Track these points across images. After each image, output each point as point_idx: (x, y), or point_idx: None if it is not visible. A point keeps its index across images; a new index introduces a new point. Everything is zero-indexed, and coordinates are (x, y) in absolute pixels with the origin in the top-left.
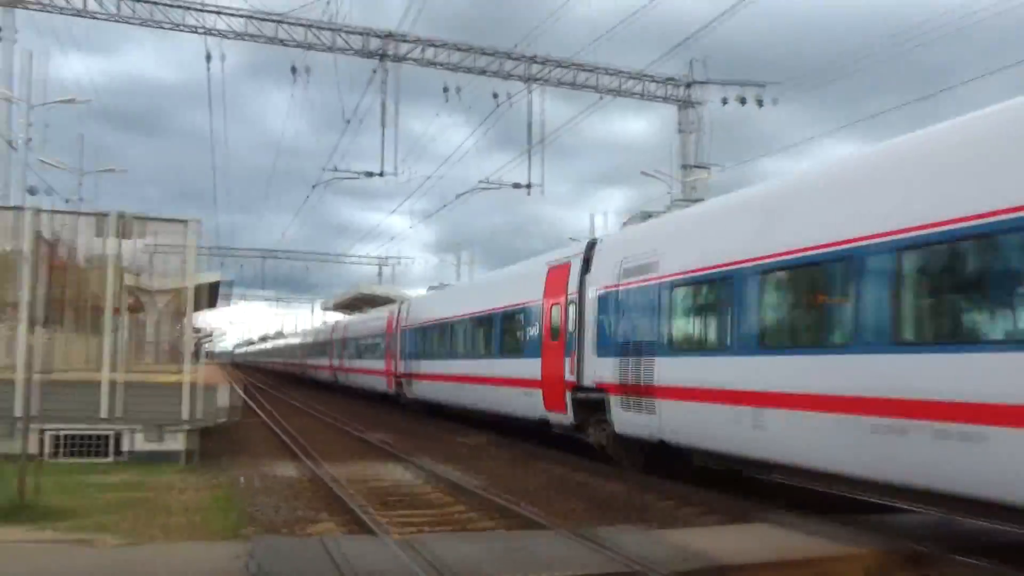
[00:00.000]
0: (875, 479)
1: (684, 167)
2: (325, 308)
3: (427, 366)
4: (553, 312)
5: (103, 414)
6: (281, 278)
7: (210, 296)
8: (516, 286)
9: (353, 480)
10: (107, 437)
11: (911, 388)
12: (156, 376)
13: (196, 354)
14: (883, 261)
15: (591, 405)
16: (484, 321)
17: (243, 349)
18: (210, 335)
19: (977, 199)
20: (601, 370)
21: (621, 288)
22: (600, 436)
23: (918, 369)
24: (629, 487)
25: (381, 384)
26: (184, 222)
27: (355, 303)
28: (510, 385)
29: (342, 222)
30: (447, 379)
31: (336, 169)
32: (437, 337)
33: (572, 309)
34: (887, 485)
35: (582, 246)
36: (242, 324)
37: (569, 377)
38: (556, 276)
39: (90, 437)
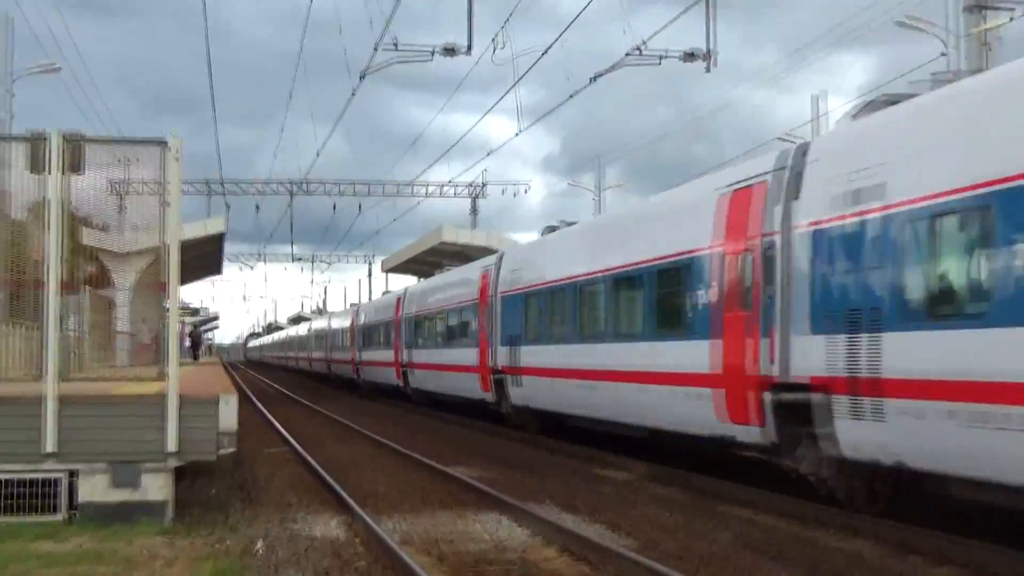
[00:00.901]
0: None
1: (970, 9)
2: (387, 269)
3: (536, 355)
4: (733, 265)
5: (48, 447)
6: (318, 225)
7: (210, 257)
8: (668, 227)
9: (429, 541)
10: (55, 483)
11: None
12: (128, 386)
13: (195, 348)
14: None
15: (799, 412)
16: (618, 284)
17: (260, 341)
18: (214, 319)
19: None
20: (820, 356)
21: (861, 219)
22: (816, 462)
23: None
24: (885, 549)
25: (470, 385)
26: (161, 144)
27: (431, 259)
28: (662, 383)
29: (408, 130)
30: (566, 374)
31: (397, 46)
32: (549, 309)
33: (769, 258)
34: None
35: (783, 155)
36: (260, 297)
37: (766, 368)
38: (737, 207)
39: (29, 484)
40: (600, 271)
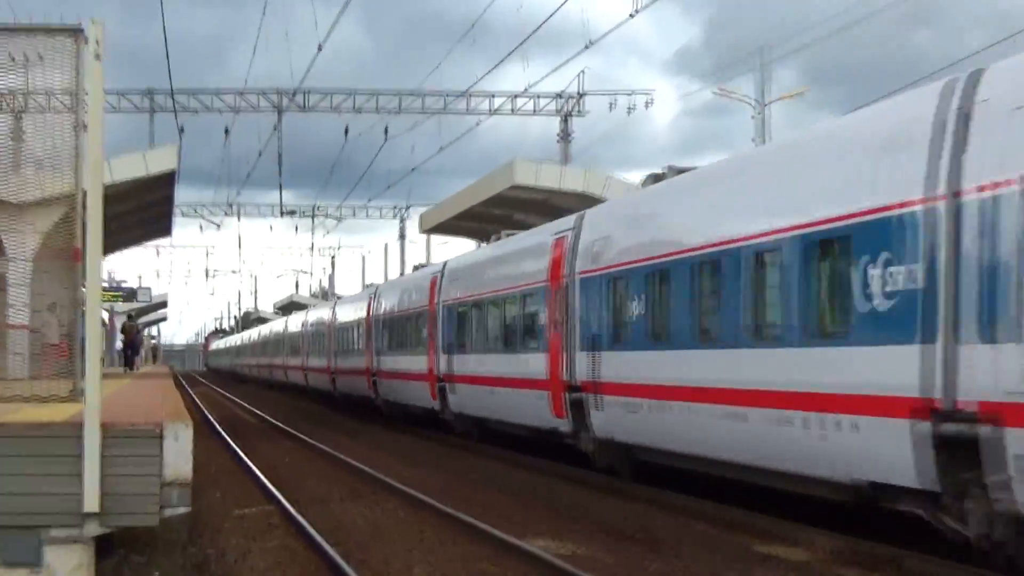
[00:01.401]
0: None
1: None
2: (427, 228)
3: (644, 365)
4: (553, 298)
5: None
6: (320, 160)
7: (154, 210)
8: (526, 262)
9: None
10: None
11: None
12: (24, 410)
13: (130, 351)
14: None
15: (580, 407)
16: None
17: (230, 341)
18: (160, 307)
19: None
20: (585, 367)
21: (592, 274)
22: (590, 441)
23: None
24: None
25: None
26: (74, 33)
27: (496, 213)
28: (523, 387)
29: (460, 9)
30: (700, 398)
31: None
32: (657, 295)
33: (569, 295)
34: None
35: (577, 217)
36: (232, 273)
37: (567, 376)
38: (557, 252)
39: None
40: (734, 239)
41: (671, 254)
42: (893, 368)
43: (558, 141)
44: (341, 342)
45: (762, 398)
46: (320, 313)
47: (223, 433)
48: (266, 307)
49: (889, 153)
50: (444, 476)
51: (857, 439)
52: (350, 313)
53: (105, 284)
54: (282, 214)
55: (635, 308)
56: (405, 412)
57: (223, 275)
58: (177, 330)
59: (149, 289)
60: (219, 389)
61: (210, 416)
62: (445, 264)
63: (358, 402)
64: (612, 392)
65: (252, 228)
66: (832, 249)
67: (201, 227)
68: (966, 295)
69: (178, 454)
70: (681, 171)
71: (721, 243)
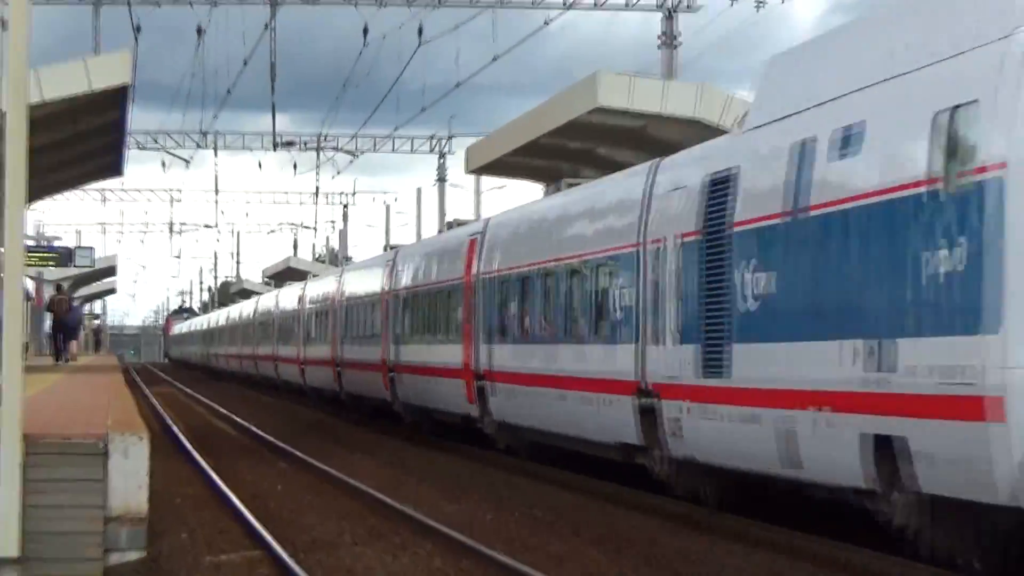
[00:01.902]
0: None
1: None
2: (475, 168)
3: (516, 356)
4: (467, 293)
5: None
6: (328, 70)
7: (99, 139)
8: (448, 260)
9: None
10: None
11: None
12: None
13: (62, 335)
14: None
15: (484, 393)
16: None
17: (200, 323)
18: (106, 275)
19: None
20: (485, 357)
21: (487, 276)
22: (492, 424)
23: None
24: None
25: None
26: None
27: (572, 147)
28: (446, 376)
29: None
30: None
31: None
32: (522, 298)
33: (476, 291)
34: None
35: (484, 221)
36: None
37: (474, 365)
38: (471, 251)
39: None
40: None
41: (529, 265)
42: (624, 360)
43: (660, 47)
44: (348, 326)
45: (572, 383)
46: (322, 286)
47: (191, 450)
48: (253, 276)
49: (623, 211)
50: (496, 510)
51: (612, 411)
52: (360, 286)
53: (30, 242)
54: (275, 147)
55: (511, 308)
56: (431, 419)
57: (193, 231)
58: (129, 308)
59: (91, 250)
60: (186, 388)
61: (174, 426)
62: (487, 222)
63: (371, 406)
64: (500, 380)
65: (234, 166)
66: (600, 272)
67: (164, 164)
68: (649, 311)
69: (129, 478)
70: (571, 185)
71: (550, 260)
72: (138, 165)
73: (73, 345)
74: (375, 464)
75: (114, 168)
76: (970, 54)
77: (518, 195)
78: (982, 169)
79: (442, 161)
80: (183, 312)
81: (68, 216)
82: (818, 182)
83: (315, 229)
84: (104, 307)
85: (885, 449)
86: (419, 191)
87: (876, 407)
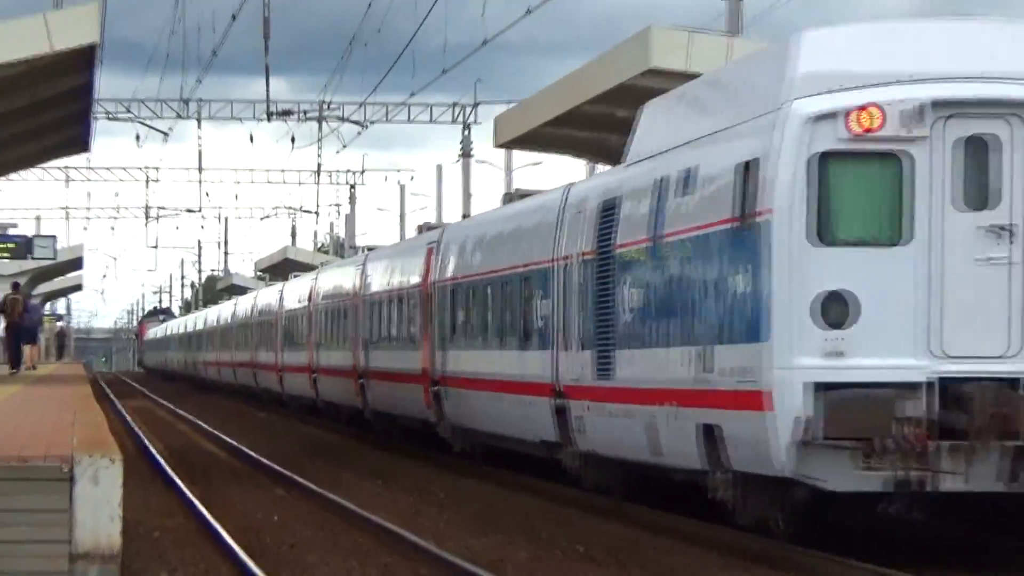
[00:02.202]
0: None
1: None
2: (505, 141)
3: (461, 361)
4: (424, 300)
5: None
6: (332, 25)
7: (62, 106)
8: (406, 266)
9: None
10: None
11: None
12: None
13: (14, 338)
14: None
15: (440, 398)
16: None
17: (179, 324)
18: (70, 268)
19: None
20: (441, 362)
21: (442, 284)
22: (448, 428)
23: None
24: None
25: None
26: None
27: (621, 115)
28: (404, 381)
29: None
30: None
31: None
32: (465, 306)
33: (432, 299)
34: None
35: (441, 230)
36: (188, 215)
37: (432, 371)
38: (428, 259)
39: None
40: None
41: (473, 275)
42: (543, 365)
43: None
44: (323, 330)
45: (508, 386)
46: (298, 286)
47: (172, 475)
48: (244, 269)
49: (542, 229)
50: (531, 545)
51: (535, 411)
52: (334, 287)
53: None
54: (270, 117)
55: (459, 315)
56: (394, 425)
57: (173, 217)
58: (98, 308)
59: (53, 239)
60: (166, 402)
61: (151, 447)
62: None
63: (343, 413)
64: (451, 384)
65: (221, 139)
66: (525, 284)
67: (139, 137)
68: (560, 321)
69: (99, 507)
70: (524, 195)
71: (488, 272)
72: (108, 138)
73: (30, 351)
74: (389, 490)
75: (80, 142)
76: (758, 119)
77: (557, 172)
78: (759, 213)
79: (466, 133)
80: (159, 313)
81: (25, 200)
82: (669, 214)
83: (316, 214)
84: (68, 307)
85: (710, 436)
86: (439, 169)
87: (703, 401)
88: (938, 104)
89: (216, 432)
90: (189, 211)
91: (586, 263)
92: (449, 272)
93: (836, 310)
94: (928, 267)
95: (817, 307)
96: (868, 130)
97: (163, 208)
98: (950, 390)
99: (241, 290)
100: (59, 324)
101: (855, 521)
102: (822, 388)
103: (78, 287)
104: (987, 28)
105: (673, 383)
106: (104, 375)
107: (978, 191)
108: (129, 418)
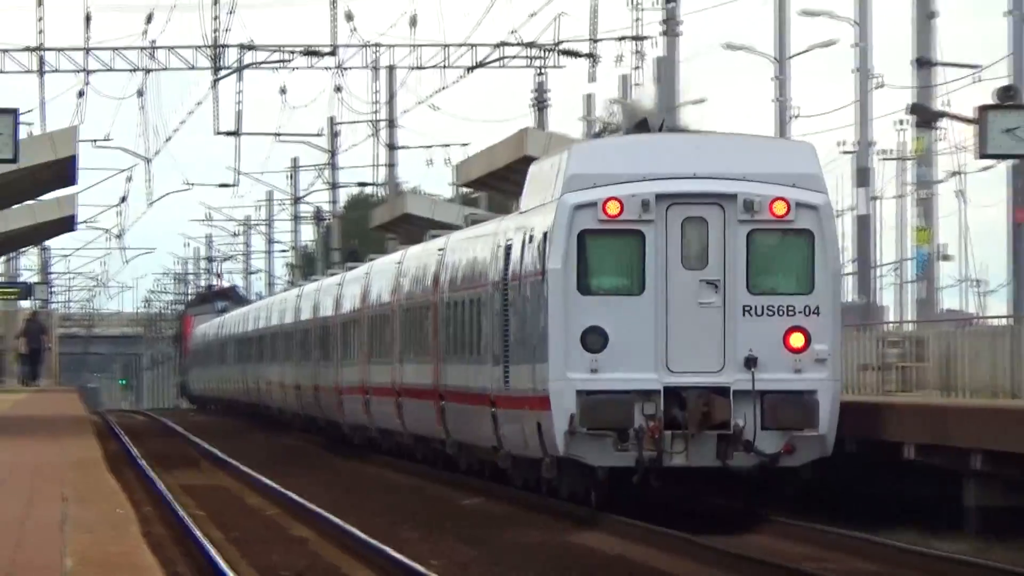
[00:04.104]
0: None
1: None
2: None
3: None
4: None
5: None
6: None
7: None
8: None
9: None
10: None
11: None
12: None
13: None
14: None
15: None
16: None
17: (273, 311)
18: (62, 228)
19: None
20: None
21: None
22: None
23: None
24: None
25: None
26: None
27: None
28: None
29: None
30: None
31: None
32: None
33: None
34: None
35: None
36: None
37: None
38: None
39: None
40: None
41: (459, 289)
42: (484, 376)
43: None
44: (406, 332)
45: (453, 395)
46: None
47: None
48: (435, 189)
49: (494, 256)
50: None
51: (481, 418)
52: (417, 275)
53: None
54: None
55: (452, 329)
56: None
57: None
58: (115, 281)
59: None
60: (271, 482)
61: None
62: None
63: (426, 446)
64: (451, 399)
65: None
66: (478, 303)
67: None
68: (503, 337)
69: None
70: (475, 221)
71: (464, 288)
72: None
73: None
74: None
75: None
76: (550, 204)
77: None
78: (547, 270)
79: None
80: (215, 298)
81: None
82: (526, 261)
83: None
84: (46, 269)
85: (540, 430)
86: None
87: (534, 405)
88: (661, 196)
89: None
90: (312, 52)
91: (498, 292)
92: (448, 285)
93: (594, 340)
94: (658, 309)
95: (581, 337)
96: (614, 216)
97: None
98: (675, 395)
99: (416, 234)
100: (27, 305)
101: (661, 496)
102: (584, 394)
103: (69, 226)
104: (700, 140)
105: (521, 392)
106: (121, 412)
107: (696, 256)
108: (191, 523)
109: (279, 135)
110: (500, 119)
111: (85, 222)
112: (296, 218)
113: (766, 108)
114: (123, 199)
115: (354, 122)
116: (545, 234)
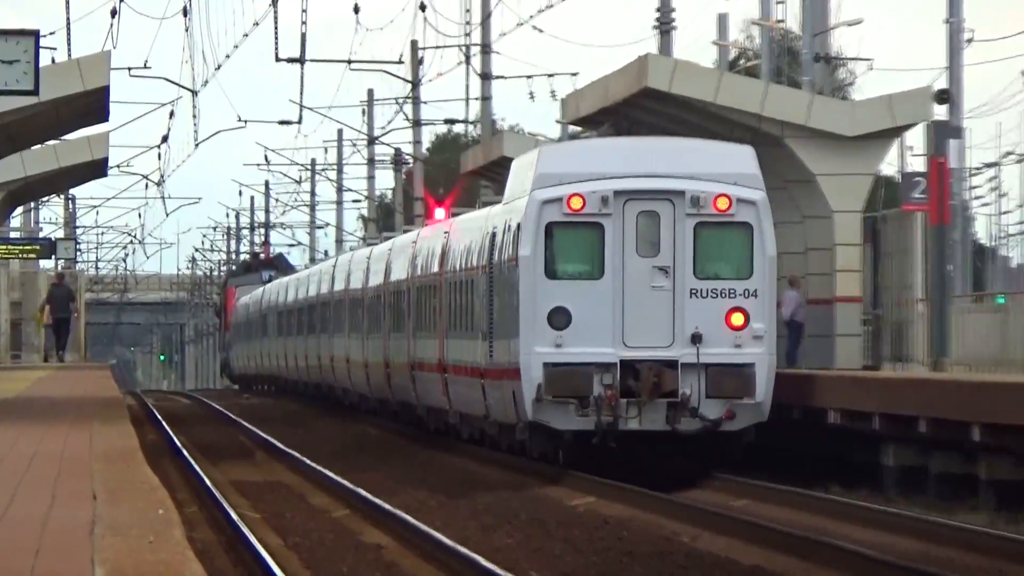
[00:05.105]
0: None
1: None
2: None
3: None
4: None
5: None
6: None
7: None
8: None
9: None
10: None
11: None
12: None
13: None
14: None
15: None
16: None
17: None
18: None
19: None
20: None
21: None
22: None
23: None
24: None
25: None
26: None
27: None
28: None
29: None
30: None
31: None
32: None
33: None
34: None
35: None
36: None
37: None
38: None
39: None
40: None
41: (459, 270)
42: (476, 351)
43: None
44: (452, 306)
45: (459, 369)
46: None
47: None
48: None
49: (484, 241)
50: None
51: (474, 388)
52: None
53: None
54: None
55: (453, 306)
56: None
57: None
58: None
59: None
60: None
61: None
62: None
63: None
64: (454, 372)
65: None
66: (471, 284)
67: None
68: (488, 316)
69: None
70: (487, 203)
71: (462, 269)
72: None
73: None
74: None
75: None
76: (521, 199)
77: None
78: (518, 257)
79: None
80: (261, 268)
81: None
82: (505, 248)
83: None
84: (72, 225)
85: (515, 398)
86: None
87: (510, 376)
88: (619, 193)
89: None
90: None
91: (485, 275)
92: (449, 265)
93: (559, 318)
94: (616, 292)
95: (548, 316)
96: (577, 210)
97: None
98: (630, 367)
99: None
100: (52, 268)
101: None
102: (549, 366)
103: (96, 167)
104: (653, 143)
105: (504, 364)
106: (162, 394)
107: (649, 245)
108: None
109: (351, 62)
110: (616, 44)
111: (118, 166)
112: (371, 162)
113: (936, 30)
114: (164, 139)
115: (441, 47)
116: (519, 225)
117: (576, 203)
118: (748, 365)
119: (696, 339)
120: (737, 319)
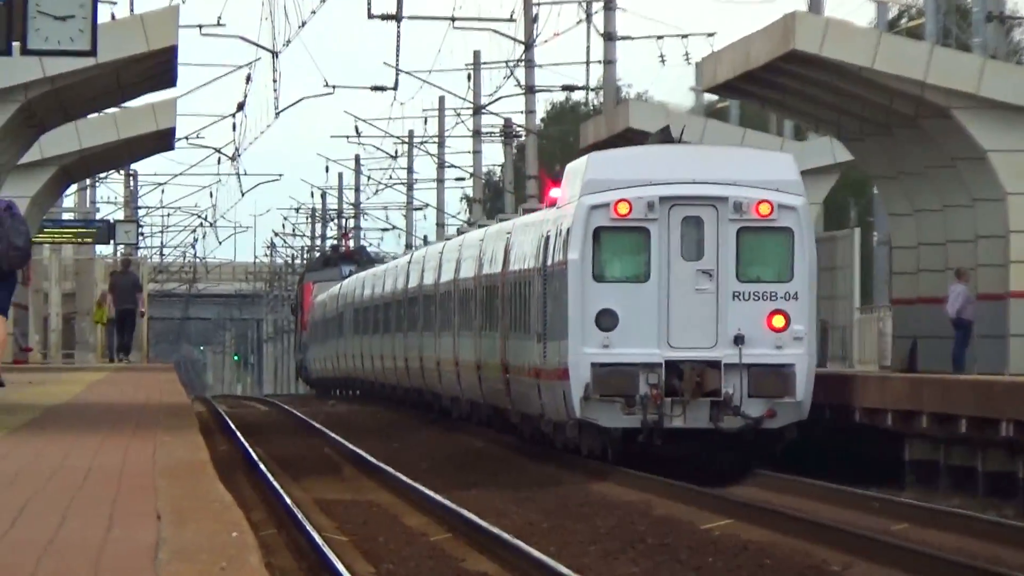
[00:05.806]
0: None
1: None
2: None
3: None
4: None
5: None
6: None
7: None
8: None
9: None
10: None
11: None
12: None
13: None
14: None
15: None
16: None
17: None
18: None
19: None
20: None
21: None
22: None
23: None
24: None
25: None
26: None
27: None
28: None
29: None
30: None
31: None
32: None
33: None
34: None
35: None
36: None
37: None
38: None
39: None
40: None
41: (520, 271)
42: (532, 351)
43: None
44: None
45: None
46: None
47: None
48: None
49: (539, 244)
50: None
51: (532, 387)
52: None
53: None
54: None
55: (515, 306)
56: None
57: None
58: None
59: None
60: (421, 487)
61: None
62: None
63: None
64: (514, 373)
65: None
66: (528, 284)
67: None
68: (542, 317)
69: None
70: (528, 209)
71: (519, 270)
72: None
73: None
74: None
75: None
76: (571, 204)
77: None
78: (568, 260)
79: None
80: (341, 261)
81: None
82: (557, 251)
83: None
84: (133, 205)
85: (565, 397)
86: None
87: (561, 376)
88: (664, 199)
89: None
90: None
91: (539, 277)
92: (511, 265)
93: (606, 320)
94: (661, 294)
95: (596, 318)
96: (623, 215)
97: None
98: (674, 367)
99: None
100: (111, 251)
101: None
102: (597, 366)
103: (162, 139)
104: (697, 151)
105: (551, 363)
106: (239, 406)
107: (694, 249)
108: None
109: (455, 20)
110: (758, 0)
111: (187, 138)
112: (477, 134)
113: None
114: (240, 107)
115: (559, 2)
116: (568, 229)
117: (623, 208)
118: (788, 365)
119: (738, 340)
120: (778, 321)
